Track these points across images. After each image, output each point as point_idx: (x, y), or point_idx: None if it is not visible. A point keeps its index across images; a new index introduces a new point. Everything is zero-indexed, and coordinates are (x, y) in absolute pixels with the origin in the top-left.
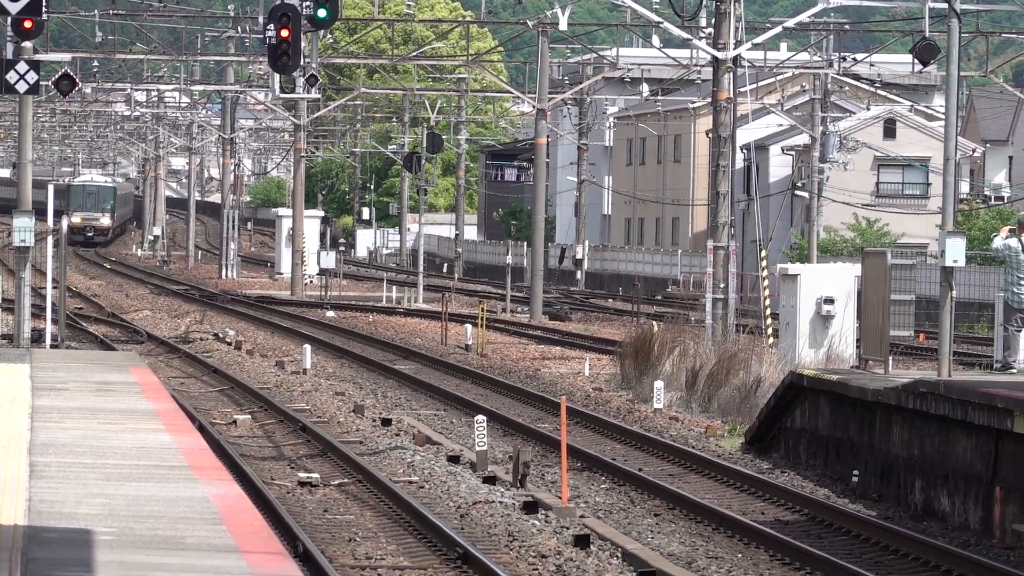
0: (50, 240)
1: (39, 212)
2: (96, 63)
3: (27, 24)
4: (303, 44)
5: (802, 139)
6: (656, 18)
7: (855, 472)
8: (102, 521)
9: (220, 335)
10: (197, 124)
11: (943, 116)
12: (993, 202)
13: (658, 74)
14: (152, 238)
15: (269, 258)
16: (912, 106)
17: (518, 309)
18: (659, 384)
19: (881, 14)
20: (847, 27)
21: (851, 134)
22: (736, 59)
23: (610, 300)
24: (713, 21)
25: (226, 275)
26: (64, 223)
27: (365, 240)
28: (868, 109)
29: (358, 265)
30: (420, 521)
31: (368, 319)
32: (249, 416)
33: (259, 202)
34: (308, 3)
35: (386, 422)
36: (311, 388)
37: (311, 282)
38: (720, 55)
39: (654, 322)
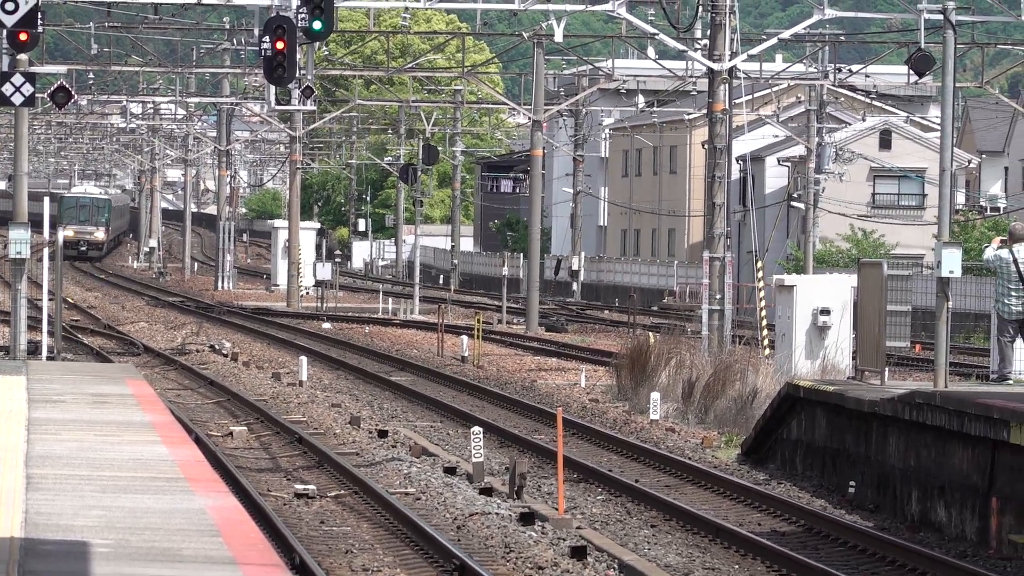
0: (46, 252)
1: (35, 224)
2: (92, 75)
3: (22, 36)
4: (298, 56)
5: (798, 150)
6: (651, 30)
7: (852, 483)
8: (99, 533)
9: (216, 347)
10: (193, 136)
11: (939, 127)
12: (989, 213)
13: (653, 86)
14: (148, 250)
15: (265, 270)
16: (908, 117)
17: (514, 320)
18: (655, 395)
19: (876, 25)
20: (842, 38)
21: (847, 145)
22: (732, 71)
23: (606, 311)
24: (708, 33)
25: (222, 287)
26: (60, 235)
27: (361, 252)
28: (864, 120)
29: (354, 277)
30: (416, 533)
31: (364, 331)
32: (245, 428)
33: (255, 214)
34: (303, 15)
35: (382, 434)
36: (307, 400)
37: (307, 294)
38: (715, 67)
39: (650, 333)
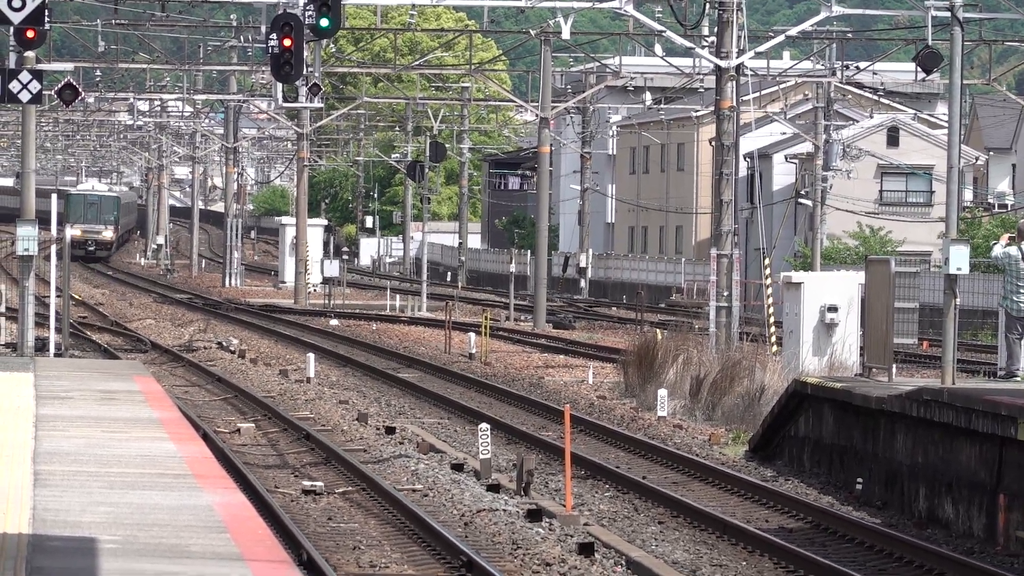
0: (53, 249)
1: (43, 221)
2: (99, 72)
3: (30, 34)
4: (306, 54)
5: (805, 147)
6: (659, 27)
7: (859, 480)
8: (106, 529)
9: (224, 344)
10: (200, 133)
11: (946, 124)
12: (996, 210)
13: (661, 83)
14: (156, 247)
15: (273, 267)
16: (915, 114)
17: (522, 317)
18: (663, 392)
19: (884, 22)
20: (850, 35)
21: (854, 142)
22: (739, 68)
23: (614, 308)
24: (716, 30)
25: (229, 284)
26: (68, 232)
27: (369, 249)
28: (871, 117)
29: (362, 274)
30: (424, 529)
31: (372, 327)
32: (253, 425)
33: (262, 211)
34: (311, 13)
35: (390, 430)
36: (315, 396)
37: (315, 291)
38: (723, 64)
39: (658, 330)
